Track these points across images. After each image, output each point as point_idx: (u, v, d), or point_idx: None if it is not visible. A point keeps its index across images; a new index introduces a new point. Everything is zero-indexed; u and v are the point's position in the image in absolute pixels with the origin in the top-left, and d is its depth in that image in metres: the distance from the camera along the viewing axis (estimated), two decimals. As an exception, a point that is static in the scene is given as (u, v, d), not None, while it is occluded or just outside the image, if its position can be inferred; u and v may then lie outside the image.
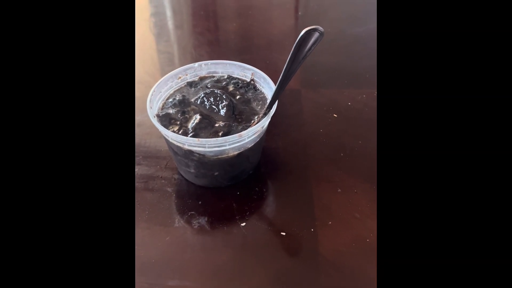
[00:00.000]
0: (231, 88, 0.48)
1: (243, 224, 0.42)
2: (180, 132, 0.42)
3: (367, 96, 0.59)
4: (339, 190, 0.46)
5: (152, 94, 0.45)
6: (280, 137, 0.52)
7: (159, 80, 0.46)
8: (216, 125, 0.43)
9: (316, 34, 0.37)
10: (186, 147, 0.41)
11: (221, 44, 0.74)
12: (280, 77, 0.40)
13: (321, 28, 0.37)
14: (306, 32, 0.37)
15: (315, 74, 0.63)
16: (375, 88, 0.60)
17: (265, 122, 0.42)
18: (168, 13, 0.86)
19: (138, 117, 0.56)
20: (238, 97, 0.47)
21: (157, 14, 0.85)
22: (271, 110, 0.42)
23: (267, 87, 0.47)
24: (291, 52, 0.38)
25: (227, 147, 0.41)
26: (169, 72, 0.48)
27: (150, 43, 0.75)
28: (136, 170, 0.48)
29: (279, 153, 0.51)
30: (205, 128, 0.43)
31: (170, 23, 0.83)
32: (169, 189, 0.46)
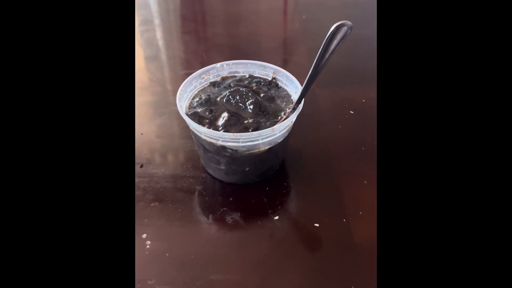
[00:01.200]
0: (254, 86, 0.49)
1: (276, 217, 0.43)
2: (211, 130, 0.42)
3: (380, 93, 0.60)
4: (365, 182, 0.47)
5: (180, 94, 0.45)
6: (301, 135, 0.53)
7: (185, 80, 0.47)
8: (245, 121, 0.44)
9: (345, 29, 0.39)
10: (220, 142, 0.41)
11: (231, 48, 0.75)
12: (310, 71, 0.42)
13: (349, 22, 0.38)
14: (336, 27, 0.38)
15: (328, 74, 0.64)
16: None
17: (294, 116, 0.43)
18: (157, 21, 0.87)
19: (158, 120, 0.56)
20: (262, 94, 0.48)
21: (147, 22, 0.86)
22: (300, 105, 0.43)
23: (291, 85, 0.48)
24: (320, 48, 0.40)
25: (260, 141, 0.41)
26: (183, 74, 0.48)
27: (159, 49, 0.75)
28: (163, 170, 0.48)
29: (302, 150, 0.52)
30: (235, 125, 0.43)
31: (175, 30, 0.84)
32: (198, 187, 0.46)
